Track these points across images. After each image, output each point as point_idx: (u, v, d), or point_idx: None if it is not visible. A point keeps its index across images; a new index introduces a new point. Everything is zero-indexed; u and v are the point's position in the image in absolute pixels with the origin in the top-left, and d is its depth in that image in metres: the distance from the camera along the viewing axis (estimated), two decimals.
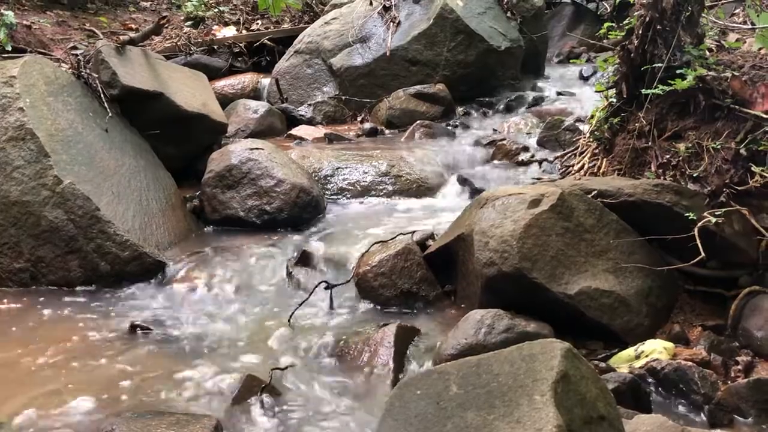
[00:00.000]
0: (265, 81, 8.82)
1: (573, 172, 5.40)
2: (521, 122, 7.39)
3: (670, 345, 3.82)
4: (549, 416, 2.27)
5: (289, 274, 4.89)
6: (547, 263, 3.99)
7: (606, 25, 5.42)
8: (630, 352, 3.82)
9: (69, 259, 4.89)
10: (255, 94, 8.72)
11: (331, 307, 4.55)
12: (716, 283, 4.17)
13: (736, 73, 4.38)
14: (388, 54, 8.14)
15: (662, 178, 4.42)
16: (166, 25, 8.91)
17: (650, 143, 4.61)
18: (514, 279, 3.99)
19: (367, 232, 5.19)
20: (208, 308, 4.65)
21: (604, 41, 5.95)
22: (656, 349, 3.76)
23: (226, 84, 8.81)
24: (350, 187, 6.07)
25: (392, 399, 2.60)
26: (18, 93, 5.06)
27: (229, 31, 9.65)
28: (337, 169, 6.19)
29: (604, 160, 4.97)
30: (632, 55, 4.75)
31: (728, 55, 4.72)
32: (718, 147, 4.28)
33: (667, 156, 4.48)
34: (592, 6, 11.11)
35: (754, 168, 4.14)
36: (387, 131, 7.64)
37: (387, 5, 8.51)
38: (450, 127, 7.43)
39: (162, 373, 3.92)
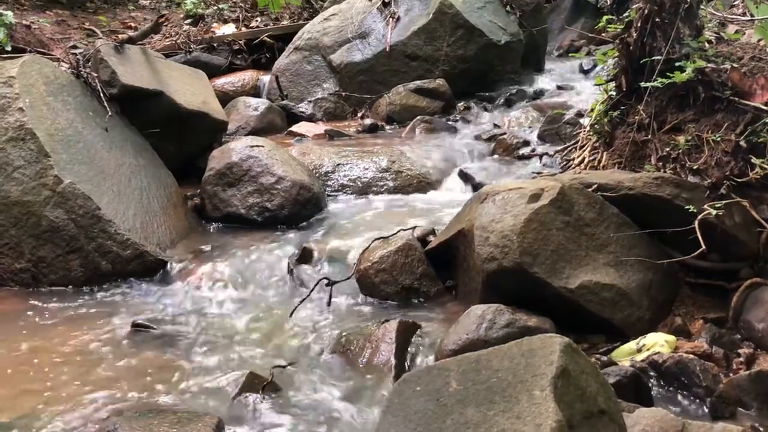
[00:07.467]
0: (265, 78, 8.83)
1: (573, 165, 5.40)
2: (522, 116, 7.37)
3: (671, 338, 3.81)
4: (549, 411, 2.27)
5: (290, 271, 4.88)
6: (548, 257, 3.98)
7: (605, 18, 5.41)
8: (631, 345, 3.81)
9: (70, 259, 4.90)
10: (255, 91, 8.72)
11: (333, 303, 4.55)
12: (717, 276, 4.16)
13: (735, 65, 4.37)
14: (387, 49, 8.14)
15: (662, 171, 4.41)
16: (165, 24, 8.94)
17: (650, 136, 4.60)
18: (514, 274, 3.98)
19: (367, 229, 5.18)
20: (209, 306, 4.66)
21: (604, 34, 5.94)
22: (658, 343, 3.76)
23: (226, 81, 8.81)
24: (351, 184, 6.06)
25: (392, 395, 2.60)
26: (17, 93, 5.06)
27: (229, 29, 9.65)
28: (337, 165, 6.18)
29: (604, 153, 4.97)
30: (631, 48, 4.74)
31: (727, 47, 4.70)
32: (718, 139, 4.26)
33: (667, 149, 4.48)
34: None
35: (754, 160, 4.13)
36: (387, 127, 7.63)
37: (386, 1, 8.50)
38: (450, 122, 7.42)
39: (164, 372, 3.93)
